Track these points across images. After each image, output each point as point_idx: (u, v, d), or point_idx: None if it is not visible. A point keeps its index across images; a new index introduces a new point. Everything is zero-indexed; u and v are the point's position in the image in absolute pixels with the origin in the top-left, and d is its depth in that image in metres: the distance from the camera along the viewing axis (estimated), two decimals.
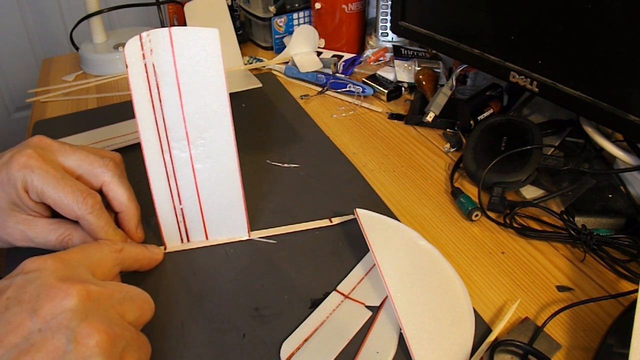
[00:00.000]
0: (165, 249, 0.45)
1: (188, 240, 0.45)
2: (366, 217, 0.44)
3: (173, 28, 0.38)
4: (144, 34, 0.38)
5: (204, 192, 0.43)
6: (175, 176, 0.42)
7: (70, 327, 0.28)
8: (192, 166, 0.42)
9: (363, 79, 0.73)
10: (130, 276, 0.41)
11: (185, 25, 0.75)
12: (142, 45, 0.38)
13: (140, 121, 0.40)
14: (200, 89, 0.39)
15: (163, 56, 0.38)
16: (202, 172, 0.42)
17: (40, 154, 0.38)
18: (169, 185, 0.42)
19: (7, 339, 0.27)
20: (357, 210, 0.44)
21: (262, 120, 0.66)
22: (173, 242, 0.45)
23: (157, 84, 0.39)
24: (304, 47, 0.81)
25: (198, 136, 0.41)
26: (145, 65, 0.39)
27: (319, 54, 0.81)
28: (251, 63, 0.82)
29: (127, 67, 0.38)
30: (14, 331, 0.27)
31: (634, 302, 0.33)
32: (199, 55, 0.38)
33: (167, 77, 0.39)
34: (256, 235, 0.46)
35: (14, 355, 0.26)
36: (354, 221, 0.46)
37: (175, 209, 0.43)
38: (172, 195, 0.43)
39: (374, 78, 0.74)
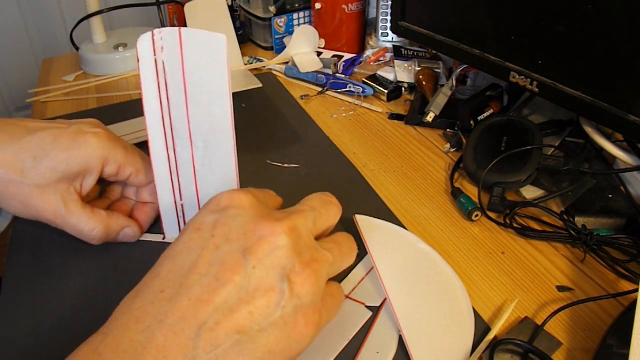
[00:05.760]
0: (164, 237, 0.45)
1: None
2: (365, 223, 0.44)
3: (183, 28, 0.38)
4: (156, 31, 0.38)
5: (203, 192, 0.43)
6: (177, 172, 0.42)
7: (282, 265, 0.28)
8: (193, 166, 0.42)
9: (363, 79, 0.73)
10: (128, 267, 0.41)
11: (185, 25, 0.75)
12: (153, 41, 0.38)
13: (148, 115, 0.40)
14: (204, 93, 0.39)
15: (172, 55, 0.38)
16: (202, 173, 0.42)
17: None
18: (172, 180, 0.43)
19: (227, 278, 0.27)
20: (356, 216, 0.44)
21: (262, 120, 0.66)
22: (172, 233, 0.46)
23: (165, 82, 0.39)
24: (304, 47, 0.81)
25: (199, 138, 0.41)
26: (155, 61, 0.39)
27: (319, 54, 0.81)
28: (251, 63, 0.82)
29: (138, 61, 0.38)
30: (231, 270, 0.27)
31: (634, 302, 0.33)
32: (205, 59, 0.38)
33: (174, 76, 0.39)
34: None
35: (236, 293, 0.27)
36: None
37: (175, 203, 0.44)
38: (173, 190, 0.43)
39: (374, 78, 0.74)
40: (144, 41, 0.38)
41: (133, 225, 0.44)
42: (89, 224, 0.41)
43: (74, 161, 0.40)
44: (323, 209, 0.34)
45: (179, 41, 0.37)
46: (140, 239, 0.45)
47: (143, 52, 0.38)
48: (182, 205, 0.44)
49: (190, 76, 0.39)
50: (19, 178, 0.38)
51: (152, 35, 0.38)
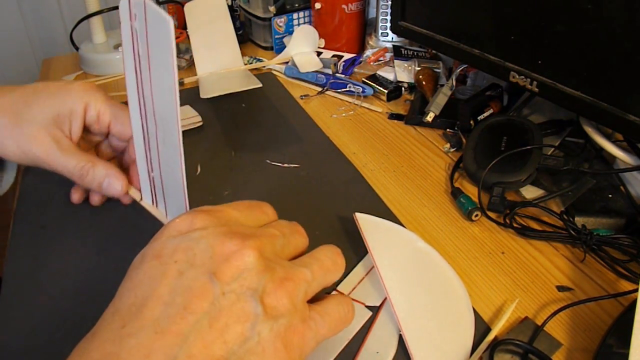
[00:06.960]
0: (141, 198, 0.46)
1: (157, 206, 0.44)
2: (365, 221, 0.44)
3: (147, 2, 0.35)
4: None
5: (164, 171, 0.41)
6: (149, 146, 0.41)
7: (253, 288, 0.26)
8: (157, 141, 0.40)
9: (363, 79, 0.73)
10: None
11: (185, 26, 0.75)
12: (130, 7, 0.36)
13: (128, 81, 0.39)
14: (159, 72, 0.37)
15: (141, 26, 0.36)
16: (162, 151, 0.40)
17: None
18: (145, 152, 0.41)
19: (196, 305, 0.25)
20: (356, 214, 0.44)
21: (262, 120, 0.66)
22: (147, 198, 0.45)
23: (138, 51, 0.37)
24: (304, 47, 0.81)
25: (158, 116, 0.39)
26: (131, 27, 0.37)
27: (319, 54, 0.81)
28: (251, 63, 0.82)
29: (120, 24, 0.37)
30: (198, 297, 0.25)
31: (634, 302, 0.33)
32: (158, 37, 0.35)
33: (142, 47, 0.37)
34: None
35: (207, 322, 0.24)
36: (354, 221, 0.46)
37: (149, 174, 0.43)
38: (147, 162, 0.42)
39: (374, 78, 0.74)
40: (124, 6, 0.36)
41: (120, 176, 0.45)
42: (78, 161, 0.44)
43: (60, 106, 0.44)
44: (292, 236, 0.32)
45: (144, 14, 0.35)
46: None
47: (123, 15, 0.37)
48: (152, 177, 0.42)
49: (151, 52, 0.36)
50: (15, 121, 0.43)
51: (129, 1, 0.36)
